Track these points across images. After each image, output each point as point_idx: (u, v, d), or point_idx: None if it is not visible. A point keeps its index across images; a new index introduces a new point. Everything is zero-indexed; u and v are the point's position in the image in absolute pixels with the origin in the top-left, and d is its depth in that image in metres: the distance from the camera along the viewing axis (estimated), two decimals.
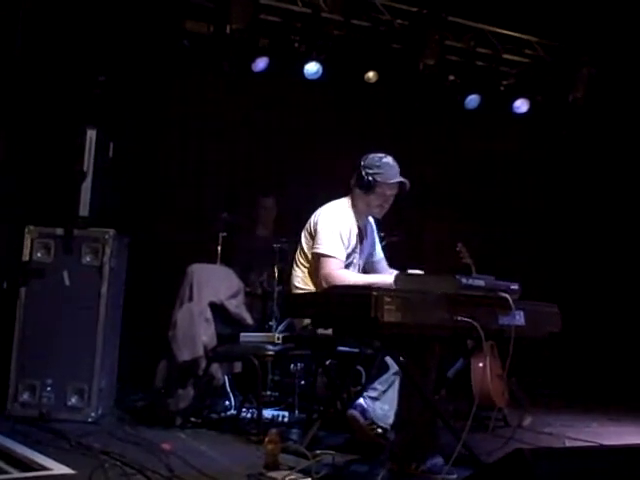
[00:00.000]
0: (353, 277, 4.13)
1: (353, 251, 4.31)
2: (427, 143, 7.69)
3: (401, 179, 4.24)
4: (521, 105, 7.43)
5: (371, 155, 4.29)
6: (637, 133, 7.64)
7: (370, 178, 4.22)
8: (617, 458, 2.75)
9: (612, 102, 7.58)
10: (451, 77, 7.26)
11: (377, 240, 4.62)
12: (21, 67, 5.29)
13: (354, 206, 4.36)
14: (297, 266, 4.38)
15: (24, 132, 5.37)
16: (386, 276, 4.12)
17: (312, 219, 4.35)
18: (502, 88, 7.41)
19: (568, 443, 4.63)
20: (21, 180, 5.34)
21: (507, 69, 7.40)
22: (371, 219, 4.53)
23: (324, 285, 4.08)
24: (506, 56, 7.30)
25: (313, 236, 4.27)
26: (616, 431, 5.32)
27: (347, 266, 4.26)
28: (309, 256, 4.30)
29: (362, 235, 4.42)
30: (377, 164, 4.24)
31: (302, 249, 4.36)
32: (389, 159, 4.28)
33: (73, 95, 5.61)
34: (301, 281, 4.32)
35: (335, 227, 4.21)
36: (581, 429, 5.22)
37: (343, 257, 4.19)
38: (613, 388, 6.96)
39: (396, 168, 4.28)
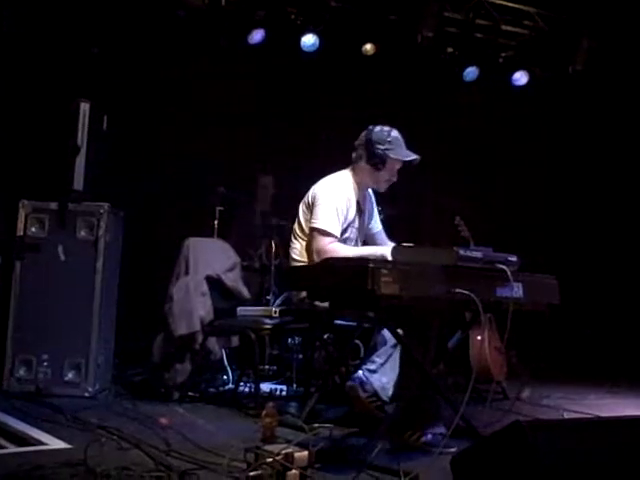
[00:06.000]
0: (344, 250, 4.08)
1: (350, 225, 4.27)
2: (425, 115, 7.62)
3: (415, 156, 4.18)
4: (520, 77, 7.37)
5: (377, 128, 4.21)
6: (637, 105, 7.57)
7: (382, 153, 4.15)
8: (614, 430, 2.76)
9: (612, 74, 7.51)
10: (449, 49, 7.18)
11: (376, 212, 4.58)
12: (12, 40, 5.23)
13: (356, 179, 4.32)
14: (295, 238, 4.34)
15: (17, 105, 5.31)
16: (379, 247, 4.11)
17: (311, 191, 4.30)
18: (501, 60, 7.32)
19: (566, 415, 4.63)
20: (14, 154, 5.29)
21: (506, 41, 7.30)
22: (370, 191, 4.48)
23: (316, 259, 4.06)
24: (505, 27, 7.18)
25: (311, 209, 4.23)
26: (613, 403, 5.32)
27: (343, 241, 4.22)
28: (306, 229, 4.26)
29: (361, 209, 4.38)
30: (387, 139, 4.16)
31: (300, 221, 4.32)
32: (395, 132, 4.22)
33: (66, 68, 5.55)
34: (299, 253, 4.30)
35: (332, 202, 4.16)
36: (579, 401, 5.23)
37: (338, 233, 4.14)
38: (611, 361, 6.96)
39: (403, 142, 4.22)
